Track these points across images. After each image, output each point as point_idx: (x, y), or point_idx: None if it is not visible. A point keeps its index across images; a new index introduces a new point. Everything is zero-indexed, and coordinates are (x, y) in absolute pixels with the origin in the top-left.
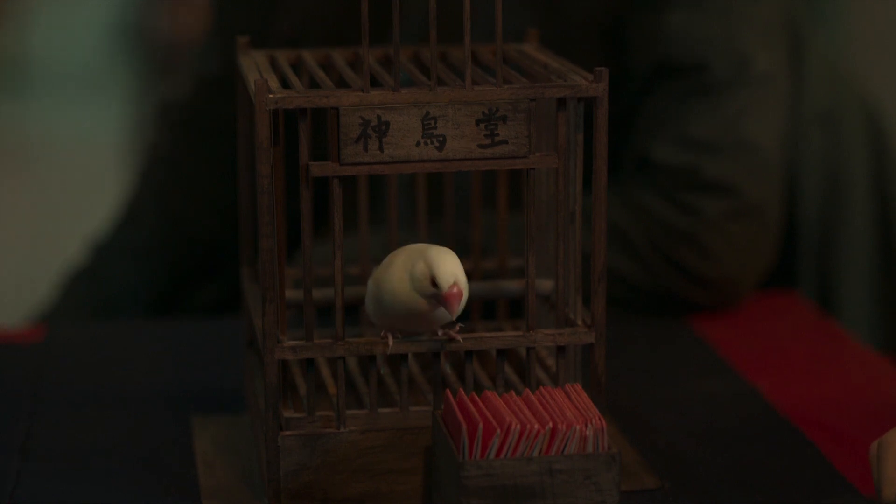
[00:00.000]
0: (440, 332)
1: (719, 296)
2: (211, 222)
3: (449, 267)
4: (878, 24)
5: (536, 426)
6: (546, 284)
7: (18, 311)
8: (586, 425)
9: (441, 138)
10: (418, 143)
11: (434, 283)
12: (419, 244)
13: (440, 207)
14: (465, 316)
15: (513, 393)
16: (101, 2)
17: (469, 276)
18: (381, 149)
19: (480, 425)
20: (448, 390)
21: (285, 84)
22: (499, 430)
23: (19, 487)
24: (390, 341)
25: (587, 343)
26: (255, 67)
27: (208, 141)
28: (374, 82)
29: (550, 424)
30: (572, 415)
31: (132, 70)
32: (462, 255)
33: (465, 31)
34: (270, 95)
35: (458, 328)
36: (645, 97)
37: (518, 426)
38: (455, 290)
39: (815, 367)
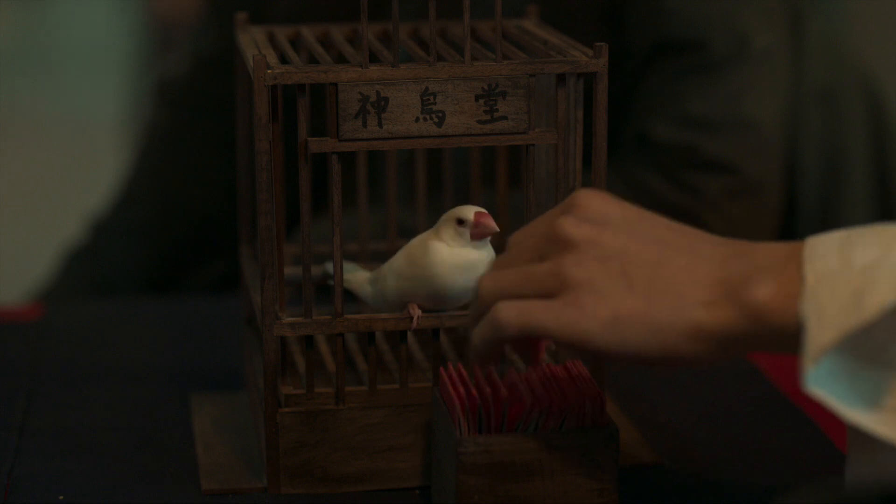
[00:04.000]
0: None
1: None
2: (209, 200)
3: (470, 206)
4: (878, 1)
5: (531, 401)
6: None
7: (17, 289)
8: (585, 401)
9: (440, 114)
10: (417, 119)
11: (461, 221)
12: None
13: (439, 185)
14: None
15: (512, 368)
16: None
17: None
18: (379, 125)
19: (478, 401)
20: (442, 367)
21: (284, 60)
22: (476, 405)
23: (17, 465)
24: (416, 312)
25: None
26: (253, 44)
27: (207, 119)
28: (374, 59)
29: (548, 400)
30: (571, 391)
31: (131, 48)
32: None
33: (465, 6)
34: (269, 71)
35: None
36: (644, 75)
37: (514, 401)
38: (479, 211)
39: None
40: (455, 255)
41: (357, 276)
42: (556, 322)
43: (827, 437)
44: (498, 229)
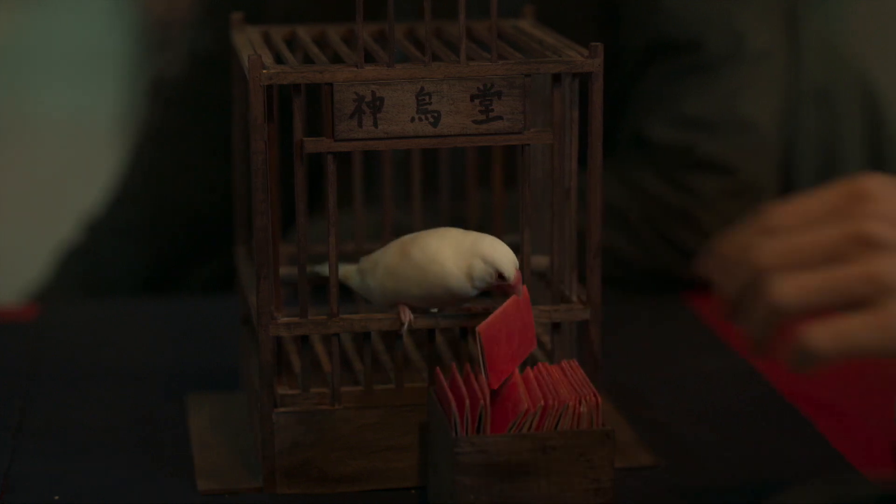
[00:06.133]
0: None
1: None
2: (205, 200)
3: (509, 257)
4: (876, 1)
5: (526, 402)
6: (541, 261)
7: (12, 289)
8: (580, 402)
9: (436, 114)
10: (413, 119)
11: (501, 276)
12: (452, 230)
13: (435, 185)
14: None
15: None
16: None
17: None
18: (375, 125)
19: (468, 401)
20: (438, 368)
21: (279, 60)
22: (482, 404)
23: (14, 465)
24: (408, 316)
25: (582, 320)
26: (248, 44)
27: (202, 118)
28: (370, 59)
29: (542, 402)
30: (566, 391)
31: (126, 47)
32: None
33: (461, 6)
34: (265, 71)
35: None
36: (641, 75)
37: (510, 401)
38: (518, 272)
39: None
40: (465, 287)
41: (343, 269)
42: (877, 341)
43: (824, 437)
44: (520, 296)
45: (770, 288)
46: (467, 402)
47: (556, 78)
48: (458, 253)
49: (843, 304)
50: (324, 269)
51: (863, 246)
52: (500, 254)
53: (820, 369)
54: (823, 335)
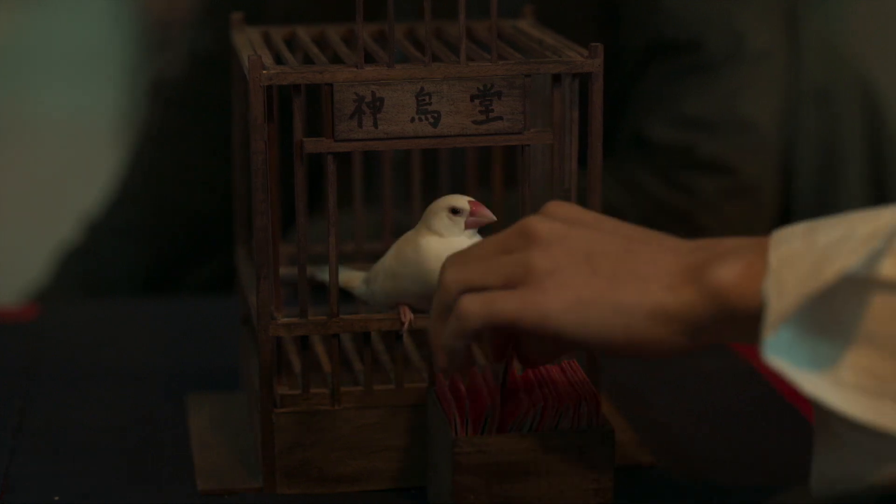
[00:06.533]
0: None
1: None
2: (205, 200)
3: (452, 195)
4: (876, 2)
5: (526, 402)
6: None
7: (12, 289)
8: (580, 402)
9: (436, 114)
10: (413, 120)
11: (455, 210)
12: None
13: (435, 185)
14: None
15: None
16: None
17: None
18: (375, 125)
19: (485, 402)
20: None
21: (279, 60)
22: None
23: (13, 465)
24: (408, 316)
25: None
26: (248, 44)
27: (202, 119)
28: (370, 59)
29: (542, 402)
30: (566, 391)
31: (126, 48)
32: None
33: (461, 7)
34: (265, 71)
35: None
36: (641, 75)
37: (509, 401)
38: (471, 200)
39: None
40: (449, 246)
41: (344, 275)
42: (518, 307)
43: None
44: (495, 218)
45: (443, 276)
46: (467, 402)
47: (556, 78)
48: (425, 225)
49: (502, 284)
50: (324, 274)
51: (524, 238)
52: (444, 196)
53: (467, 341)
54: (474, 301)
